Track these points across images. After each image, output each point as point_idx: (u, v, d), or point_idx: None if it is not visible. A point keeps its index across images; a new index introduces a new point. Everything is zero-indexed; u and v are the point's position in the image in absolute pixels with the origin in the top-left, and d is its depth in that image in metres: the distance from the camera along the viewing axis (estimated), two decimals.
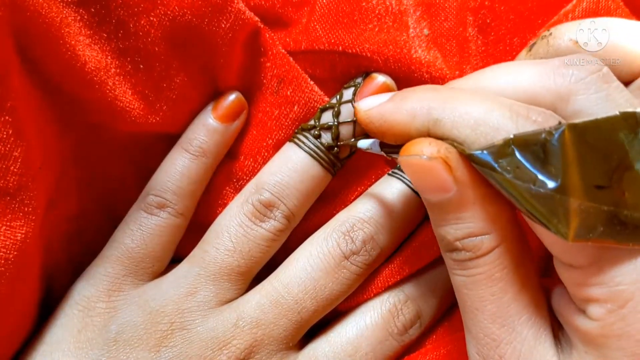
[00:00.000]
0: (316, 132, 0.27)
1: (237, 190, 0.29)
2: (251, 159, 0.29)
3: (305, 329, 0.28)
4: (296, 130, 0.28)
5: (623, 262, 0.19)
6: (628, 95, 0.20)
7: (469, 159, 0.20)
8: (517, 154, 0.19)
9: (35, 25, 0.22)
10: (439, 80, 0.27)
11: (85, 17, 0.24)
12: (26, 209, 0.23)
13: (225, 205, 0.29)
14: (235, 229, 0.27)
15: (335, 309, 0.28)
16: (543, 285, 0.23)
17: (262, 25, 0.27)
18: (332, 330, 0.28)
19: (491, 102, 0.20)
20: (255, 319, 0.26)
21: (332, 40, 0.27)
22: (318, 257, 0.27)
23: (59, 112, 0.26)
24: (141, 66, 0.26)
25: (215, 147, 0.28)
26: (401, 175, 0.28)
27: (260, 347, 0.26)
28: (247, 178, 0.29)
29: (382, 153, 0.25)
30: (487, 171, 0.19)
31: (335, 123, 0.27)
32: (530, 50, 0.26)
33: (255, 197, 0.27)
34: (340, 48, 0.27)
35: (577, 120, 0.19)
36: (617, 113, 0.19)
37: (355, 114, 0.24)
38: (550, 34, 0.25)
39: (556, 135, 0.19)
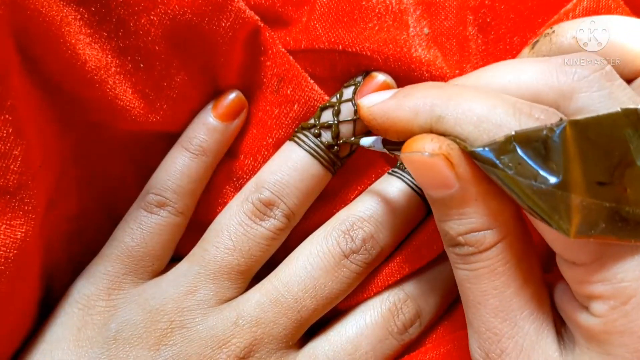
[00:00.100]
0: (316, 131, 0.27)
1: (237, 189, 0.29)
2: (251, 158, 0.29)
3: (305, 328, 0.28)
4: (296, 129, 0.28)
5: (625, 258, 0.19)
6: (631, 93, 0.20)
7: (471, 156, 0.20)
8: (519, 151, 0.19)
9: (36, 24, 0.22)
10: (439, 79, 0.27)
11: (86, 16, 0.24)
12: (26, 208, 0.23)
13: (225, 204, 0.29)
14: (235, 227, 0.27)
15: (335, 308, 0.28)
16: (546, 281, 0.23)
17: (262, 24, 0.27)
18: (332, 329, 0.28)
19: (494, 99, 0.20)
20: (255, 318, 0.26)
21: (332, 39, 0.27)
22: (318, 256, 0.27)
23: (59, 111, 0.26)
24: (141, 65, 0.26)
25: (216, 145, 0.28)
26: (401, 174, 0.28)
27: (260, 345, 0.26)
28: (247, 177, 0.29)
29: (385, 150, 0.25)
30: (489, 168, 0.19)
31: (336, 122, 0.27)
32: (532, 48, 0.26)
33: (255, 196, 0.27)
34: (340, 47, 0.27)
35: (578, 117, 0.19)
36: (619, 109, 0.19)
37: (357, 111, 0.24)
38: (553, 31, 0.25)
39: (558, 132, 0.19)
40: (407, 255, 0.28)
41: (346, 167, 0.29)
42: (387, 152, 0.25)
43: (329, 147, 0.27)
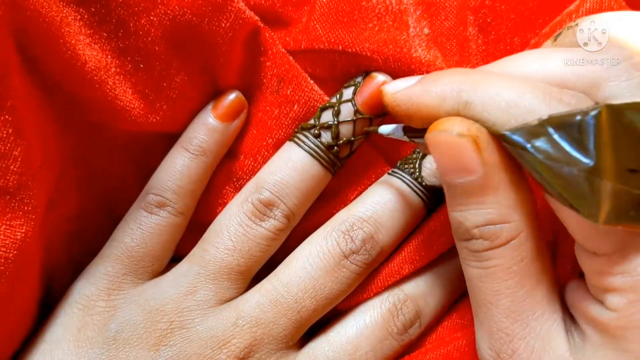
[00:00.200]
0: (316, 132, 0.27)
1: (237, 189, 0.29)
2: (251, 158, 0.29)
3: (305, 328, 0.28)
4: (296, 130, 0.28)
5: None
6: None
7: (501, 139, 0.20)
8: (553, 134, 0.19)
9: (35, 24, 0.22)
10: None
11: (86, 16, 0.24)
12: (26, 208, 0.23)
13: (225, 204, 0.29)
14: (235, 228, 0.27)
15: (335, 309, 0.28)
16: (556, 278, 0.23)
17: (262, 25, 0.27)
18: (331, 330, 0.28)
19: (523, 85, 0.20)
20: (254, 318, 0.26)
21: (332, 40, 0.27)
22: (318, 256, 0.27)
23: (59, 112, 0.26)
24: (141, 65, 0.26)
25: (215, 146, 0.28)
26: (401, 175, 0.28)
27: (259, 346, 0.26)
28: (247, 177, 0.29)
29: (405, 138, 0.24)
30: (519, 151, 0.19)
31: (335, 122, 0.27)
32: (555, 40, 0.26)
33: (255, 196, 0.27)
34: (340, 47, 0.27)
35: (614, 102, 0.19)
36: None
37: (381, 97, 0.24)
38: (577, 24, 0.24)
39: (593, 116, 0.18)
40: (407, 256, 0.28)
41: (346, 168, 0.29)
42: (408, 140, 0.24)
43: (329, 147, 0.27)
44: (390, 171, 0.29)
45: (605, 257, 0.20)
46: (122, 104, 0.26)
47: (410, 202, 0.28)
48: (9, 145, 0.22)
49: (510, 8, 0.29)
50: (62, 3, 0.23)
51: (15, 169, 0.22)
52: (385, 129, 0.26)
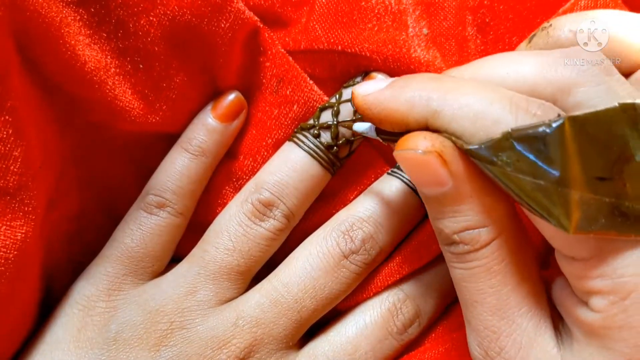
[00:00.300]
0: (315, 132, 0.27)
1: (237, 189, 0.29)
2: (250, 159, 0.29)
3: (305, 328, 0.28)
4: (295, 130, 0.28)
5: (625, 253, 0.19)
6: (630, 88, 0.20)
7: (467, 154, 0.20)
8: (517, 147, 0.19)
9: (35, 25, 0.22)
10: None
11: (85, 16, 0.24)
12: (26, 209, 0.23)
13: (224, 204, 0.29)
14: (235, 228, 0.27)
15: (335, 308, 0.28)
16: (543, 278, 0.23)
17: (261, 25, 0.27)
18: (331, 330, 0.28)
19: (492, 94, 0.20)
20: (255, 318, 0.26)
21: (332, 40, 0.27)
22: (317, 257, 0.27)
23: (59, 112, 0.26)
24: (141, 66, 0.26)
25: (215, 146, 0.28)
26: (400, 175, 0.28)
27: (260, 346, 0.26)
28: (247, 177, 0.29)
29: (378, 138, 0.24)
30: (485, 165, 0.19)
31: (335, 122, 0.27)
32: (530, 41, 0.26)
33: (254, 197, 0.27)
34: (340, 47, 0.27)
35: (576, 113, 0.19)
36: (617, 105, 0.19)
37: (352, 99, 0.24)
38: (550, 25, 0.25)
39: (556, 128, 0.19)
40: (407, 256, 0.28)
41: (345, 168, 0.29)
42: (381, 141, 0.24)
43: (329, 147, 0.27)
44: (389, 171, 0.29)
45: (584, 262, 0.20)
46: (121, 104, 0.26)
47: (409, 202, 0.28)
48: (9, 145, 0.22)
49: (508, 8, 0.29)
50: (61, 3, 0.23)
51: (15, 170, 0.22)
52: (359, 126, 0.26)
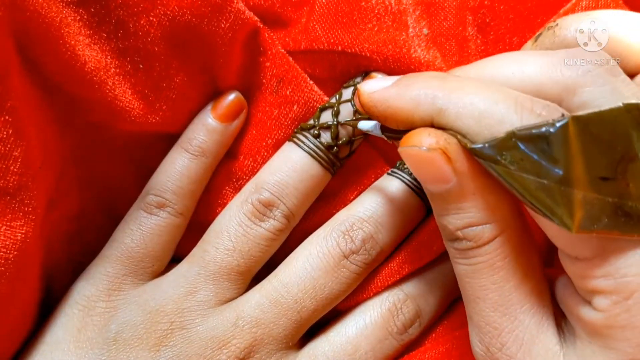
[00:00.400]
0: (315, 132, 0.27)
1: (237, 189, 0.29)
2: (251, 159, 0.29)
3: (305, 328, 0.28)
4: (295, 130, 0.28)
5: (628, 253, 0.19)
6: (635, 89, 0.20)
7: (472, 153, 0.20)
8: (521, 147, 0.19)
9: (35, 25, 0.22)
10: None
11: (85, 17, 0.24)
12: (26, 209, 0.23)
13: (225, 204, 0.29)
14: (235, 228, 0.27)
15: (335, 309, 0.28)
16: (546, 275, 0.23)
17: (261, 25, 0.27)
18: (331, 330, 0.28)
19: (497, 94, 0.20)
20: (254, 319, 0.26)
21: (332, 40, 0.27)
22: (317, 257, 0.27)
23: (59, 112, 0.26)
24: (141, 66, 0.26)
25: (215, 146, 0.28)
26: (401, 175, 0.28)
27: (260, 346, 0.26)
28: (247, 178, 0.29)
29: (383, 136, 0.24)
30: (489, 164, 0.19)
31: (335, 122, 0.27)
32: (535, 40, 0.26)
33: (254, 197, 0.27)
34: (340, 48, 0.27)
35: (580, 113, 0.19)
36: (621, 105, 0.19)
37: (357, 96, 0.24)
38: (557, 24, 0.24)
39: (559, 128, 0.19)
40: (407, 256, 0.28)
41: (346, 168, 0.29)
42: (386, 139, 0.24)
43: (329, 147, 0.27)
44: (389, 171, 0.29)
45: (587, 262, 0.20)
46: (121, 104, 0.26)
47: (409, 202, 0.28)
48: (9, 146, 0.22)
49: (509, 8, 0.29)
50: (61, 3, 0.23)
51: (15, 170, 0.22)
52: (364, 124, 0.26)
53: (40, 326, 0.27)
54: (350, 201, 0.29)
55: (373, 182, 0.29)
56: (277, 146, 0.28)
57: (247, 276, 0.28)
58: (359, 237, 0.27)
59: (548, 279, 0.23)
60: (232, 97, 0.28)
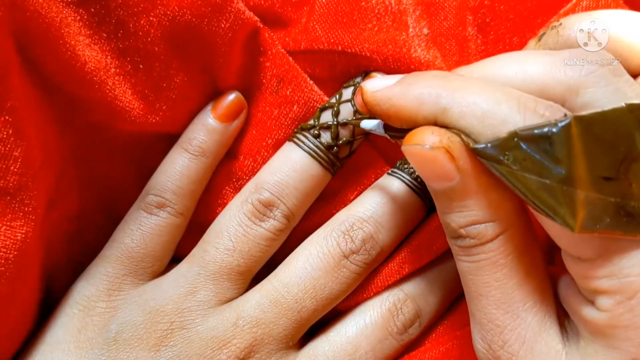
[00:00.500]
0: (315, 132, 0.27)
1: (237, 189, 0.29)
2: (251, 159, 0.29)
3: (305, 328, 0.28)
4: (296, 130, 0.28)
5: (630, 253, 0.19)
6: (638, 89, 0.20)
7: (474, 153, 0.20)
8: (523, 147, 0.19)
9: (35, 25, 0.22)
10: None
11: (85, 17, 0.24)
12: (26, 209, 0.23)
13: (225, 204, 0.29)
14: (235, 228, 0.27)
15: (335, 308, 0.28)
16: (550, 274, 0.23)
17: (261, 25, 0.27)
18: (331, 330, 0.28)
19: (500, 93, 0.20)
20: (255, 318, 0.26)
21: (332, 40, 0.27)
22: (318, 257, 0.27)
23: (59, 112, 0.26)
24: (141, 66, 0.26)
25: (215, 146, 0.28)
26: (401, 175, 0.28)
27: (260, 346, 0.26)
28: (247, 178, 0.29)
29: (386, 135, 0.24)
30: (492, 164, 0.19)
31: (335, 122, 0.27)
32: (539, 40, 0.26)
33: (254, 197, 0.27)
34: (340, 47, 0.27)
35: (583, 113, 0.19)
36: (623, 105, 0.19)
37: (361, 95, 0.24)
38: (560, 24, 0.24)
39: (562, 128, 0.19)
40: (407, 256, 0.28)
41: (346, 168, 0.29)
42: (389, 138, 0.24)
43: (329, 147, 0.27)
44: (389, 171, 0.29)
45: (590, 262, 0.20)
46: (121, 104, 0.26)
47: (410, 202, 0.28)
48: (9, 146, 0.22)
49: (509, 8, 0.29)
50: (61, 3, 0.23)
51: (15, 170, 0.22)
52: (367, 123, 0.26)
53: (41, 326, 0.27)
54: (351, 201, 0.29)
55: (373, 182, 0.29)
56: (277, 146, 0.28)
57: (247, 276, 0.28)
58: (359, 237, 0.27)
59: (551, 278, 0.23)
60: (232, 97, 0.28)
